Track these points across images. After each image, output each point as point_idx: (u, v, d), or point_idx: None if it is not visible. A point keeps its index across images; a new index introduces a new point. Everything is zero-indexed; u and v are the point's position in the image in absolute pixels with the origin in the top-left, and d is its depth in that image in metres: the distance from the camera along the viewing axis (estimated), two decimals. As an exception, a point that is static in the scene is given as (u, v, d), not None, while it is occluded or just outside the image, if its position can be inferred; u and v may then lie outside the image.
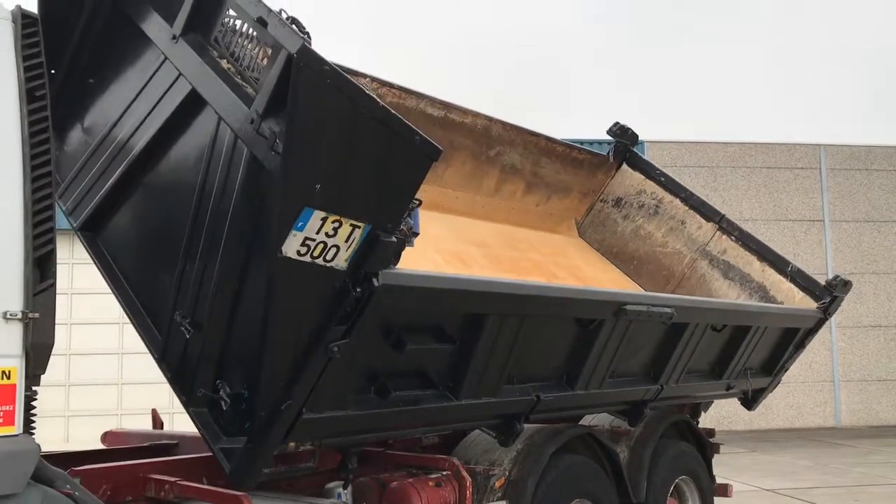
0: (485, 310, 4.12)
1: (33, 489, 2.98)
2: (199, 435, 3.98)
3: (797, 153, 19.24)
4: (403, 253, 3.61)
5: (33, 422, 3.15)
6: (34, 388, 3.13)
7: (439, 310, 3.97)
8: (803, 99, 45.10)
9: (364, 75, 5.37)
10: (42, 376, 3.19)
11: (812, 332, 7.28)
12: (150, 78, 4.19)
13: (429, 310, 3.93)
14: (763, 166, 19.01)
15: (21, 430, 3.02)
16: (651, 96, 44.31)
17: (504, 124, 6.84)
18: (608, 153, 8.05)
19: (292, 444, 3.69)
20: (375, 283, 3.43)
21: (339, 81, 3.18)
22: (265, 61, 3.55)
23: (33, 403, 3.14)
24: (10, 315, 2.98)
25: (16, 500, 2.92)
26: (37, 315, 3.05)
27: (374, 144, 3.28)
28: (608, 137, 8.16)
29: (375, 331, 3.73)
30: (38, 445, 3.09)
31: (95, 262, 4.46)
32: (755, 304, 7.03)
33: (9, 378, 2.97)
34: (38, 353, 3.09)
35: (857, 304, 18.28)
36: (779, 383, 7.70)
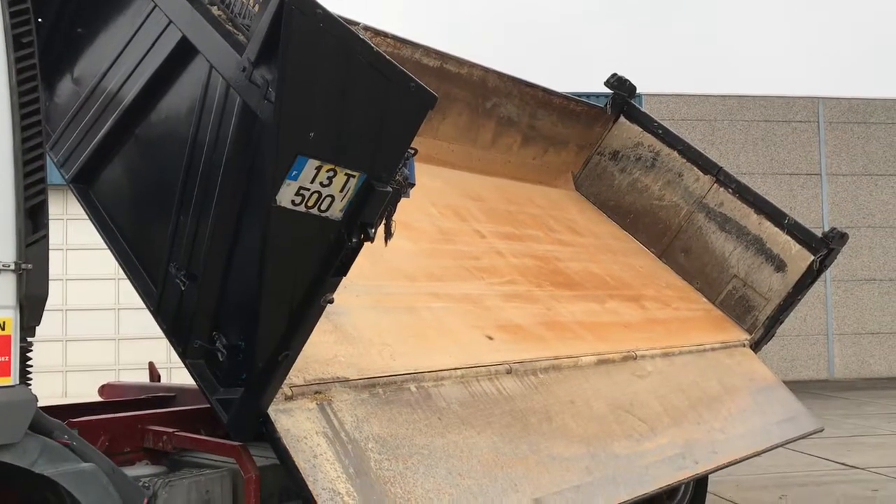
0: None
1: (31, 439, 3.00)
2: (196, 387, 3.99)
3: (795, 106, 19.12)
4: (399, 205, 3.57)
5: (29, 373, 3.15)
6: (29, 339, 3.13)
7: None
8: (803, 51, 44.68)
9: (357, 23, 5.27)
10: (39, 331, 3.18)
11: (806, 286, 7.30)
12: (140, 26, 4.12)
13: None
14: (761, 119, 18.90)
15: (17, 381, 3.02)
16: (649, 48, 43.84)
17: (500, 75, 6.76)
18: (605, 105, 7.97)
19: None
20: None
21: (332, 26, 3.11)
22: (256, 8, 3.48)
23: (29, 355, 3.14)
24: (4, 266, 2.96)
25: (14, 449, 2.93)
26: (30, 266, 3.03)
27: (368, 91, 3.22)
28: (605, 90, 8.08)
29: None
30: (35, 396, 3.09)
31: (88, 214, 4.42)
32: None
33: (3, 329, 2.96)
34: (32, 305, 3.07)
35: (853, 258, 18.34)
36: (773, 336, 7.74)
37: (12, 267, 2.98)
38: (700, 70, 40.90)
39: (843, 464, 9.52)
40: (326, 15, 3.10)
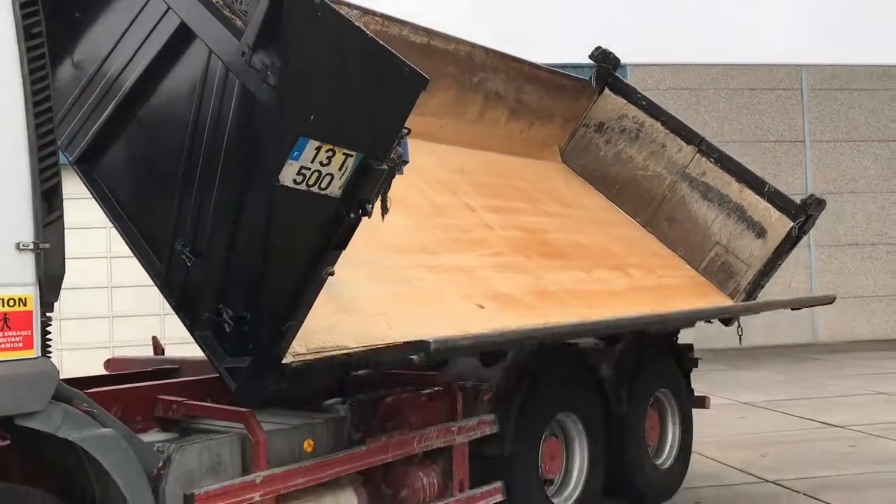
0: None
1: (55, 407, 3.19)
2: (199, 360, 4.17)
3: (779, 74, 19.30)
4: (393, 181, 3.76)
5: (49, 345, 3.33)
6: (48, 314, 3.31)
7: None
8: (785, 17, 44.68)
9: (348, 4, 5.41)
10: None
11: (786, 251, 7.52)
12: (140, 11, 4.24)
13: None
14: (745, 88, 19.08)
15: (39, 354, 3.20)
16: (634, 18, 43.75)
17: (487, 50, 6.89)
18: (590, 78, 8.12)
19: None
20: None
21: (328, 13, 3.28)
22: (254, -7, 3.62)
23: (48, 329, 3.32)
24: (23, 246, 3.13)
25: (40, 416, 3.13)
26: (48, 245, 3.20)
27: (364, 75, 3.39)
28: (590, 62, 8.22)
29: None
30: (56, 367, 3.28)
31: (93, 194, 4.56)
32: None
33: (25, 305, 3.14)
34: (50, 281, 3.25)
35: (836, 224, 18.64)
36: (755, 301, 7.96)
37: (31, 247, 3.15)
38: (684, 39, 40.87)
39: (823, 422, 9.84)
40: (323, 2, 3.26)
